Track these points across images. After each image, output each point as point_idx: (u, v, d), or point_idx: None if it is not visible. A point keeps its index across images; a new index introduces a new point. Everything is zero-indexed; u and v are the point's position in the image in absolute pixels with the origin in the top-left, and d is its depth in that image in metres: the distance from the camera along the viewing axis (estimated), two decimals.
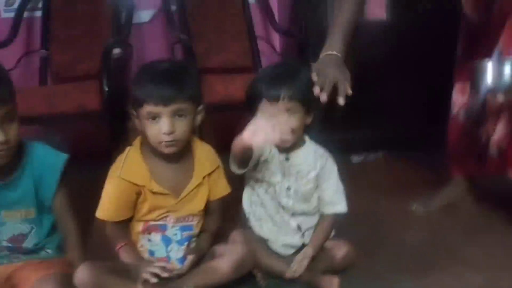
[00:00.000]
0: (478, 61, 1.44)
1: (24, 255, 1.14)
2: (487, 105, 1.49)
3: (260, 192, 1.28)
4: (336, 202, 1.27)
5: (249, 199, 1.31)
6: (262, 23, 2.77)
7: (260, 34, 2.71)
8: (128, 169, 1.13)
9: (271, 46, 2.68)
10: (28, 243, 1.14)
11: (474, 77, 1.48)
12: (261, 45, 2.67)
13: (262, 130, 1.02)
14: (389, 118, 2.39)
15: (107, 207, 1.14)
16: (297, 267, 1.18)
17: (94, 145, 1.96)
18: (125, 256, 1.13)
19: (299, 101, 1.18)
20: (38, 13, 2.48)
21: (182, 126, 1.10)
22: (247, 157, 1.17)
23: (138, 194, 1.13)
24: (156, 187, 1.13)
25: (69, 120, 2.01)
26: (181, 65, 1.38)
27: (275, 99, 1.17)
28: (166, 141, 1.09)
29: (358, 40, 2.27)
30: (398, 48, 2.29)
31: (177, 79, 1.10)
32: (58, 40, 2.42)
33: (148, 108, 1.07)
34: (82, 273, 1.02)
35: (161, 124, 1.08)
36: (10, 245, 1.12)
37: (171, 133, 1.08)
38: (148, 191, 1.13)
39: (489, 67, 1.40)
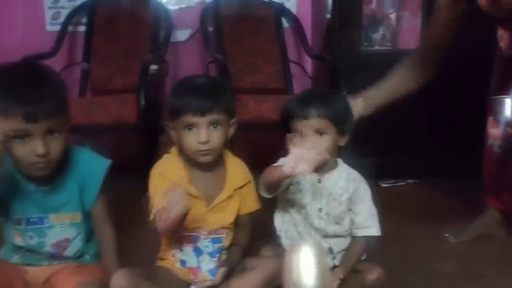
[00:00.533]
0: (504, 97, 1.45)
1: (63, 260, 1.16)
2: None
3: (293, 212, 1.28)
4: (369, 225, 1.26)
5: (281, 218, 1.31)
6: (295, 47, 2.82)
7: (293, 58, 2.75)
8: (168, 170, 1.18)
9: (303, 70, 2.72)
10: (70, 251, 1.16)
11: (502, 112, 1.49)
12: (293, 69, 2.71)
13: (303, 161, 1.04)
14: (422, 145, 2.38)
15: (154, 204, 1.14)
16: None
17: (128, 156, 2.00)
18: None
19: (329, 120, 1.19)
20: (82, 28, 2.59)
21: (217, 136, 1.14)
22: (279, 184, 1.19)
23: None
24: (193, 190, 1.16)
25: (105, 131, 2.08)
26: (216, 79, 1.43)
27: (304, 117, 1.18)
28: (202, 150, 1.13)
29: (392, 68, 2.31)
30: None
31: (213, 91, 1.15)
32: (99, 54, 2.52)
33: (185, 119, 1.12)
34: (118, 279, 1.03)
35: (198, 134, 1.12)
36: (53, 250, 1.14)
37: (206, 142, 1.12)
38: (185, 193, 1.14)
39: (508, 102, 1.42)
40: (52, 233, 1.13)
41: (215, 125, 1.14)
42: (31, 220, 1.12)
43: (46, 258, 1.15)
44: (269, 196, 1.24)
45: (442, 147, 2.40)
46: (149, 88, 2.13)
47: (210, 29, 2.65)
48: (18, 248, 1.14)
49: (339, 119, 1.20)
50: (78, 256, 1.18)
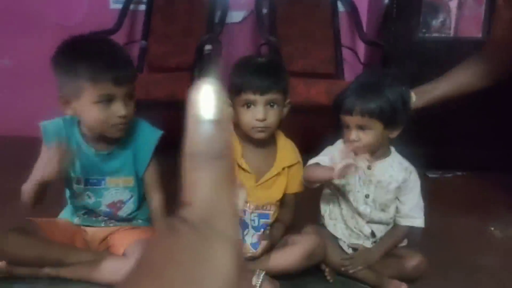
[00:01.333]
0: None
1: (118, 222, 1.26)
2: None
3: (339, 195, 1.30)
4: (414, 216, 1.26)
5: (327, 198, 1.34)
6: (349, 32, 2.79)
7: (346, 43, 2.72)
8: None
9: (355, 56, 2.69)
10: (124, 212, 1.26)
11: None
12: (346, 54, 2.69)
13: (347, 167, 1.10)
14: (472, 137, 2.31)
15: None
16: (352, 262, 1.21)
17: (180, 132, 2.09)
18: None
19: (374, 117, 1.16)
20: (142, 7, 2.69)
21: (273, 115, 1.19)
22: (322, 183, 1.26)
23: None
24: (244, 164, 1.22)
25: (160, 106, 2.17)
26: (275, 60, 1.46)
27: (349, 113, 1.19)
28: (258, 127, 1.18)
29: (450, 58, 2.23)
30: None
31: (273, 72, 1.20)
32: (157, 33, 2.61)
33: (245, 96, 1.17)
34: None
35: (256, 111, 1.17)
36: (108, 210, 1.25)
37: (264, 119, 1.16)
38: (237, 166, 1.21)
39: None
40: (108, 194, 1.24)
41: (272, 104, 1.19)
42: (90, 180, 1.22)
43: (103, 219, 1.26)
44: (310, 187, 1.28)
45: (492, 140, 2.32)
46: (203, 67, 2.19)
47: (265, 11, 2.67)
48: (78, 209, 1.25)
49: (386, 115, 1.17)
50: (131, 218, 1.28)
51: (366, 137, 1.19)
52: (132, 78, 1.16)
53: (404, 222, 1.27)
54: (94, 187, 1.23)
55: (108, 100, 1.12)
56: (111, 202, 1.24)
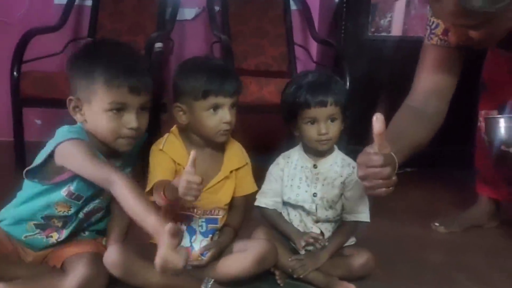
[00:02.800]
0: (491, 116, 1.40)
1: (74, 232, 1.17)
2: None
3: (285, 199, 1.31)
4: (359, 211, 1.28)
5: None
6: (301, 30, 2.80)
7: (298, 41, 2.74)
8: (168, 147, 1.19)
9: (308, 54, 2.71)
10: (95, 217, 1.19)
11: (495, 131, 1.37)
12: (298, 52, 2.70)
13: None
14: None
15: (153, 176, 1.15)
16: (302, 265, 1.22)
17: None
18: (168, 187, 1.08)
19: (340, 108, 1.22)
20: (89, 3, 2.58)
21: (234, 117, 1.18)
22: None
23: (174, 172, 1.18)
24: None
25: None
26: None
27: (322, 104, 1.20)
28: (224, 130, 1.17)
29: (398, 56, 2.28)
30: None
31: (235, 74, 1.19)
32: (105, 30, 2.51)
33: (215, 100, 1.14)
34: (111, 255, 1.06)
35: (223, 115, 1.15)
36: (82, 217, 1.15)
37: (231, 122, 1.15)
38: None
39: (502, 122, 1.32)
40: (92, 205, 1.16)
41: (233, 105, 1.18)
42: (89, 196, 1.13)
43: (56, 230, 1.15)
44: None
45: (439, 137, 2.41)
46: (153, 67, 2.14)
47: (217, 8, 2.64)
48: (35, 214, 1.12)
49: (346, 106, 1.24)
50: (96, 223, 1.21)
51: (334, 129, 1.23)
52: (148, 88, 1.09)
53: (350, 218, 1.29)
54: (91, 201, 1.15)
55: (120, 108, 1.06)
56: (89, 211, 1.16)
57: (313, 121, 1.22)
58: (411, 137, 1.25)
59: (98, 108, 1.06)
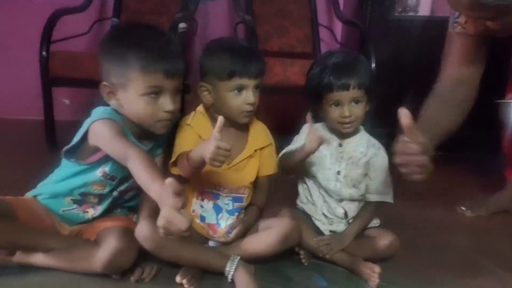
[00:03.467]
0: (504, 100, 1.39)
1: (109, 208, 1.20)
2: None
3: (309, 177, 1.31)
4: (383, 192, 1.28)
5: (300, 183, 1.36)
6: (326, 11, 2.77)
7: (323, 22, 2.70)
8: (196, 123, 1.22)
9: (332, 35, 2.68)
10: (129, 195, 1.22)
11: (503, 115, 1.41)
12: (323, 33, 2.67)
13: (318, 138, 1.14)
14: None
15: (178, 148, 1.18)
16: (328, 246, 1.23)
17: None
18: (192, 152, 1.10)
19: (365, 90, 1.22)
20: None
21: (257, 98, 1.19)
22: (301, 164, 1.26)
23: None
24: None
25: None
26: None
27: (345, 88, 1.20)
28: (247, 111, 1.18)
29: (425, 37, 2.23)
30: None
31: (259, 55, 1.19)
32: (129, 10, 2.54)
33: (240, 81, 1.15)
34: (142, 229, 1.08)
35: (246, 96, 1.16)
36: (117, 195, 1.19)
37: (254, 103, 1.16)
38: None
39: None
40: (126, 184, 1.19)
41: (257, 87, 1.18)
42: (122, 177, 1.16)
43: (92, 206, 1.18)
44: (291, 176, 1.31)
45: (467, 121, 2.36)
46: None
47: None
48: (72, 191, 1.15)
49: (371, 88, 1.23)
50: (129, 200, 1.24)
51: (358, 111, 1.23)
52: (182, 71, 1.10)
53: (373, 198, 1.29)
54: (120, 182, 1.17)
55: (156, 92, 1.08)
56: (123, 190, 1.20)
57: (337, 103, 1.22)
58: (442, 125, 1.31)
59: (134, 93, 1.07)
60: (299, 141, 1.29)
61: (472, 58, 1.34)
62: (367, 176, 1.29)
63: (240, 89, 1.16)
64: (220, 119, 1.02)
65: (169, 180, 0.85)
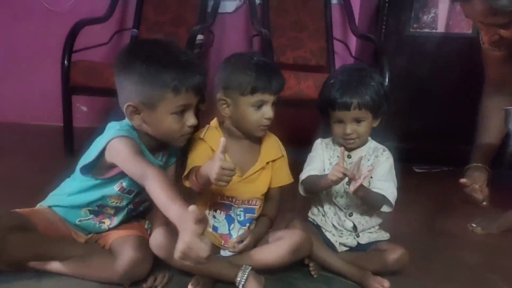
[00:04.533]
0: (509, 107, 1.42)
1: (125, 218, 1.22)
2: None
3: (321, 193, 1.33)
4: (383, 188, 1.25)
5: (313, 197, 1.37)
6: (341, 24, 2.80)
7: (338, 35, 2.73)
8: (209, 136, 1.24)
9: (347, 49, 2.70)
10: (143, 206, 1.25)
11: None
12: (337, 47, 2.70)
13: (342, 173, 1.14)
14: (459, 133, 2.33)
15: (191, 162, 1.21)
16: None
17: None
18: (199, 170, 1.13)
19: (368, 110, 1.23)
20: None
21: (273, 113, 1.22)
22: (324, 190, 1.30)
23: None
24: (228, 159, 1.20)
25: None
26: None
27: (346, 108, 1.22)
28: (264, 125, 1.21)
29: (440, 53, 2.24)
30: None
31: (280, 72, 1.22)
32: (148, 21, 2.60)
33: (260, 97, 1.18)
34: (157, 237, 1.11)
35: (265, 111, 1.19)
36: (131, 208, 1.22)
37: (271, 118, 1.20)
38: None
39: None
40: (139, 196, 1.21)
41: (274, 103, 1.22)
42: (140, 190, 1.16)
43: (108, 217, 1.21)
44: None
45: None
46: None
47: (258, 1, 2.67)
48: (90, 204, 1.17)
49: (376, 107, 1.25)
50: (144, 212, 1.26)
51: (361, 129, 1.25)
52: (206, 86, 1.13)
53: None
54: (137, 195, 1.19)
55: (184, 110, 1.10)
56: (139, 201, 1.22)
57: (340, 121, 1.25)
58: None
59: (164, 112, 1.08)
60: (313, 159, 1.32)
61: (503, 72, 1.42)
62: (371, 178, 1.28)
63: (261, 104, 1.19)
64: (223, 140, 1.04)
65: (193, 208, 0.85)
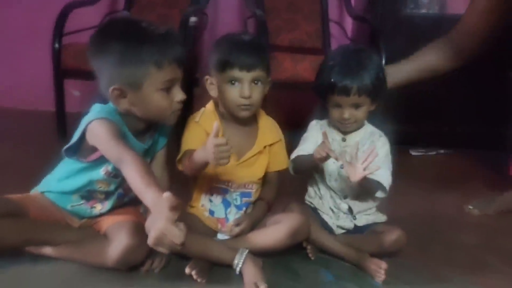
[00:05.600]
0: None
1: (116, 203, 1.20)
2: None
3: (316, 176, 1.32)
4: (378, 174, 1.20)
5: (309, 181, 1.37)
6: (337, 6, 2.76)
7: (333, 17, 2.69)
8: (204, 120, 1.22)
9: (342, 30, 2.66)
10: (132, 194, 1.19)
11: None
12: (333, 28, 2.66)
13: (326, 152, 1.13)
14: (455, 115, 2.33)
15: (185, 145, 1.19)
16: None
17: None
18: (193, 155, 1.12)
19: (367, 95, 1.22)
20: None
21: (257, 92, 1.18)
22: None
23: None
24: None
25: None
26: (259, 38, 1.43)
27: (345, 94, 1.20)
28: (243, 105, 1.17)
29: (437, 34, 2.22)
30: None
31: (259, 49, 1.19)
32: (140, 3, 2.54)
33: (231, 73, 1.15)
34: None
35: (241, 89, 1.16)
36: (121, 192, 1.19)
37: (249, 97, 1.16)
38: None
39: None
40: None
41: (256, 81, 1.18)
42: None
43: (100, 201, 1.19)
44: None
45: (475, 118, 2.35)
46: (187, 40, 2.15)
47: None
48: (79, 189, 1.15)
49: (376, 92, 1.23)
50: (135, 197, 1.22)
51: (358, 114, 1.24)
52: (185, 58, 1.10)
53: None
54: (124, 179, 1.13)
55: (170, 85, 1.08)
56: (128, 186, 1.16)
57: (338, 105, 1.24)
58: (425, 61, 1.52)
59: (150, 90, 1.06)
60: (306, 140, 1.30)
61: (490, 14, 1.43)
62: None
63: (234, 81, 1.17)
64: (215, 126, 1.03)
65: (167, 194, 0.84)
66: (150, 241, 0.85)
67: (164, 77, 1.06)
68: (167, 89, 1.08)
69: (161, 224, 0.83)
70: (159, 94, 1.07)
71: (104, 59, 1.05)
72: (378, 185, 1.23)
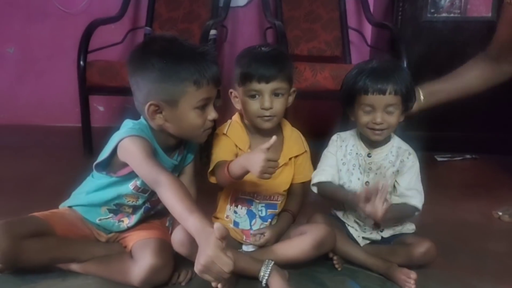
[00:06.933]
0: None
1: (143, 217, 1.22)
2: None
3: (340, 183, 1.29)
4: (410, 195, 1.23)
5: None
6: (355, 13, 2.75)
7: (353, 25, 2.69)
8: (232, 132, 1.24)
9: (362, 38, 2.65)
10: (161, 205, 1.19)
11: None
12: (352, 36, 2.65)
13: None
14: (481, 121, 2.28)
15: (216, 157, 1.20)
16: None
17: None
18: (233, 163, 1.12)
19: (401, 97, 1.19)
20: None
21: (278, 103, 1.19)
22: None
23: (235, 155, 1.21)
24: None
25: None
26: (278, 48, 1.44)
27: (381, 92, 1.18)
28: (264, 116, 1.18)
29: (459, 38, 2.19)
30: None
31: (278, 60, 1.19)
32: (161, 18, 2.60)
33: (251, 86, 1.17)
34: (178, 234, 1.09)
35: (262, 100, 1.17)
36: (149, 206, 1.21)
37: (269, 108, 1.17)
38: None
39: None
40: (156, 194, 1.17)
41: (276, 93, 1.18)
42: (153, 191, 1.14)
43: (127, 215, 1.20)
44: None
45: (502, 123, 2.30)
46: None
47: None
48: (107, 202, 1.16)
49: (407, 95, 1.21)
50: (162, 211, 1.24)
51: (391, 119, 1.20)
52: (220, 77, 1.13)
53: (397, 200, 1.25)
54: (152, 194, 1.15)
55: (205, 104, 1.09)
56: (155, 200, 1.18)
57: (370, 108, 1.20)
58: (464, 79, 1.47)
59: (186, 108, 1.07)
60: (327, 157, 1.29)
61: None
62: (395, 182, 1.26)
63: (254, 94, 1.17)
64: (274, 139, 1.04)
65: (218, 225, 0.84)
66: (197, 268, 0.84)
67: (201, 95, 1.07)
68: (202, 107, 1.09)
69: (210, 251, 0.82)
70: (194, 112, 1.08)
71: (143, 75, 1.07)
72: (412, 208, 1.23)
